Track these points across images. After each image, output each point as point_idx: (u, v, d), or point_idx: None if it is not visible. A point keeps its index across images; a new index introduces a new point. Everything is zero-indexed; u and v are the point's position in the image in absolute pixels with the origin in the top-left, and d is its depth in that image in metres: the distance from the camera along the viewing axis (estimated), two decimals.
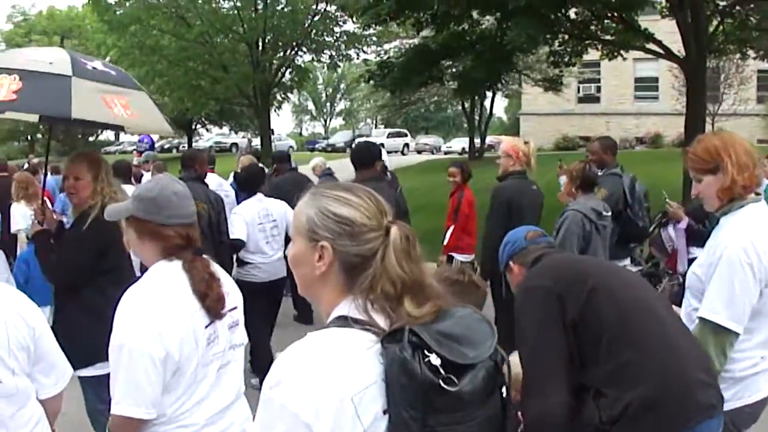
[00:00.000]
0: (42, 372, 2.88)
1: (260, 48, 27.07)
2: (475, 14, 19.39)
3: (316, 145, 60.12)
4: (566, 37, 18.98)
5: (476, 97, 40.42)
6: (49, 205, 8.54)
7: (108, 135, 65.16)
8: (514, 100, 56.51)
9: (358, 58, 30.41)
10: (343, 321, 1.84)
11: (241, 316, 3.16)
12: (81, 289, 4.50)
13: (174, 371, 2.80)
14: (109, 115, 4.59)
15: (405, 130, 59.87)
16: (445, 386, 1.68)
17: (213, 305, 2.93)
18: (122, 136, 67.54)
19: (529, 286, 3.27)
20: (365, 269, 1.86)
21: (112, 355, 2.79)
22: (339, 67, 32.44)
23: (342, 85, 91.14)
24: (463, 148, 55.78)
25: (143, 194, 2.99)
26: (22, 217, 8.56)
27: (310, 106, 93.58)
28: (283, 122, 78.33)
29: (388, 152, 52.75)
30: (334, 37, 28.08)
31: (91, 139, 63.83)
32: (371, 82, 21.61)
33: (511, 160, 6.81)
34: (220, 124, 63.14)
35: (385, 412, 1.74)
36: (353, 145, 8.38)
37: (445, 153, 52.48)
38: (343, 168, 9.29)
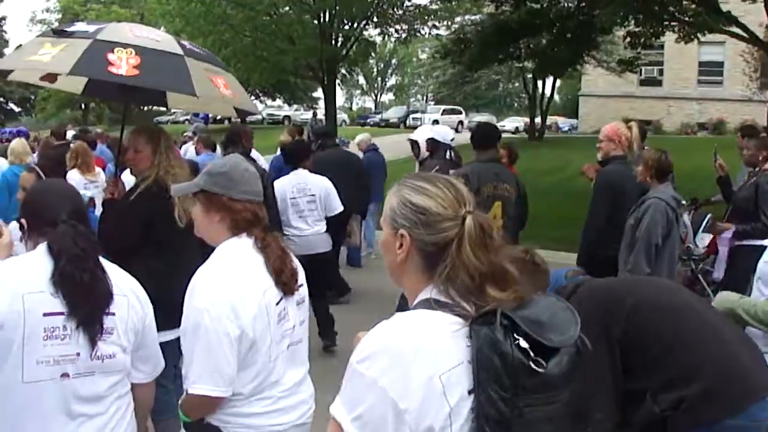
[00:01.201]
0: (140, 359, 2.92)
1: (328, 20, 26.42)
2: None
3: (368, 120, 59.54)
4: (641, 17, 18.19)
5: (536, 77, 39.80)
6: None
7: (160, 107, 65.01)
8: (568, 81, 55.33)
9: (429, 34, 29.65)
10: (427, 304, 1.91)
11: (307, 293, 3.22)
12: (126, 259, 4.23)
13: (249, 348, 2.85)
14: (218, 95, 4.68)
15: (459, 108, 59.03)
16: (535, 368, 1.73)
17: (288, 280, 3.01)
18: (174, 109, 67.72)
19: None
20: (443, 258, 1.90)
21: (186, 334, 2.84)
22: (410, 42, 31.41)
23: (393, 61, 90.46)
24: (517, 128, 55.13)
25: (215, 169, 3.04)
26: (75, 185, 8.32)
27: (361, 80, 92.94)
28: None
29: None
30: (403, 10, 27.30)
31: (144, 109, 63.80)
32: (447, 58, 21.20)
33: (613, 144, 6.59)
34: (273, 97, 62.82)
35: (470, 393, 1.78)
36: (474, 127, 7.75)
37: None
38: (395, 144, 9.15)
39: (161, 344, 3.07)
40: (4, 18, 65.65)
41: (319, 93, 73.91)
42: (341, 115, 63.62)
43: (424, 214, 1.94)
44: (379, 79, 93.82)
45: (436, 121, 54.13)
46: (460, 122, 55.57)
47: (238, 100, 5.04)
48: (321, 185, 7.93)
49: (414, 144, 9.13)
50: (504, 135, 33.90)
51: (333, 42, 26.88)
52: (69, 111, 64.82)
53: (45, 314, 2.55)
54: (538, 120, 41.36)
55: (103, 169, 10.32)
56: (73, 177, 8.97)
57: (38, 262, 2.63)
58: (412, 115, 56.07)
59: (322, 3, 25.09)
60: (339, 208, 8.06)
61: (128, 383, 2.89)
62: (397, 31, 29.40)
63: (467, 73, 37.27)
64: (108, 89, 5.54)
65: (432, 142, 8.88)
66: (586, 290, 3.56)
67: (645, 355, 3.22)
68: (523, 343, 1.74)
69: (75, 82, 5.52)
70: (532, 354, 1.74)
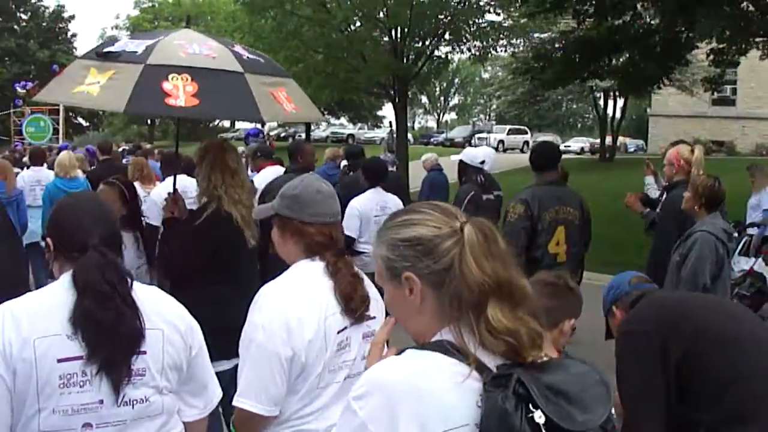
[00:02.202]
0: (191, 393, 2.72)
1: (399, 38, 25.93)
2: (639, 6, 18.05)
3: (431, 139, 59.11)
4: (729, 33, 17.36)
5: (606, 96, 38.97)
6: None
7: (224, 121, 65.61)
8: (633, 100, 54.26)
9: (506, 50, 29.00)
10: (441, 345, 1.76)
11: (377, 327, 2.96)
12: (190, 284, 4.30)
13: (299, 373, 2.80)
14: (282, 113, 4.55)
15: (525, 128, 58.35)
16: None
17: (356, 307, 2.91)
18: (238, 123, 68.24)
19: (629, 330, 3.20)
20: (450, 281, 1.75)
21: (241, 348, 2.84)
22: (486, 60, 30.82)
23: (456, 80, 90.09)
24: (582, 148, 54.33)
25: (286, 192, 3.04)
26: None
27: (423, 99, 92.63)
28: (390, 115, 77.98)
29: (507, 149, 52.19)
30: (477, 27, 26.66)
31: (209, 124, 64.23)
32: (527, 74, 20.57)
33: (673, 168, 6.41)
34: (338, 115, 62.80)
35: None
36: (532, 147, 7.68)
37: (563, 152, 50.80)
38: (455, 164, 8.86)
39: (230, 372, 3.03)
40: (74, 35, 66.61)
41: (383, 111, 74.37)
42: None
43: (420, 243, 1.81)
44: (442, 98, 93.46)
45: (501, 141, 53.98)
46: (526, 142, 55.21)
47: (303, 113, 4.87)
48: (397, 203, 7.94)
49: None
50: (568, 156, 33.20)
51: (405, 59, 26.29)
52: (136, 126, 65.59)
53: (59, 360, 2.32)
54: (604, 140, 40.47)
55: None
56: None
57: (57, 299, 2.39)
58: (477, 135, 55.63)
59: (395, 20, 24.56)
60: None
61: (178, 423, 2.68)
62: (470, 49, 28.79)
63: (538, 93, 36.57)
64: (153, 106, 5.34)
65: (461, 165, 8.83)
66: (652, 299, 3.34)
67: (704, 385, 2.92)
68: (539, 418, 1.57)
69: (117, 100, 5.15)
70: None
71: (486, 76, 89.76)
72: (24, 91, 36.80)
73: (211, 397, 2.82)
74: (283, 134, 57.93)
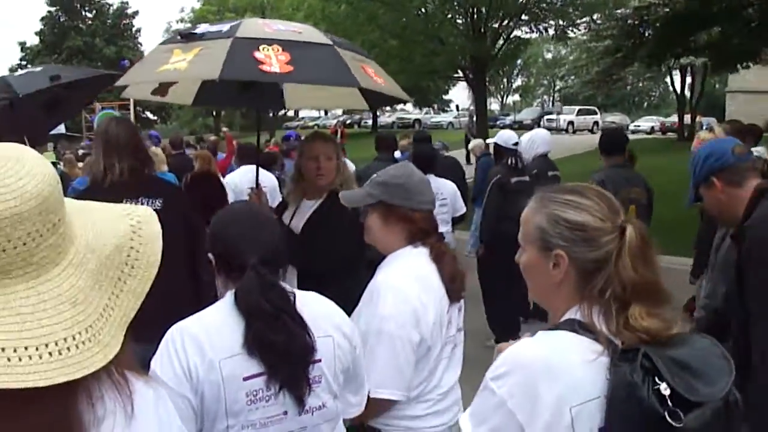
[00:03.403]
0: (352, 391, 2.75)
1: (478, 18, 25.31)
2: None
3: (498, 122, 58.28)
4: None
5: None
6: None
7: (289, 111, 65.68)
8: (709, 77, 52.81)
9: (588, 29, 28.13)
10: (572, 325, 1.83)
11: (463, 301, 3.19)
12: (342, 278, 4.12)
13: (424, 354, 2.93)
14: (374, 85, 4.42)
15: (594, 108, 57.17)
16: (670, 420, 1.60)
17: (458, 288, 3.06)
18: (302, 112, 68.27)
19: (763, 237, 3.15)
20: (600, 273, 1.82)
21: (370, 339, 2.85)
22: (569, 38, 30.03)
23: (519, 61, 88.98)
24: (652, 128, 53.03)
25: (392, 180, 3.08)
26: None
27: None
28: (456, 98, 77.36)
29: (577, 130, 51.16)
30: (558, 4, 25.91)
31: (272, 114, 64.30)
32: (619, 53, 19.85)
33: None
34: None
35: (600, 430, 1.72)
36: (601, 133, 7.97)
37: (632, 132, 49.73)
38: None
39: None
40: (139, 30, 67.12)
41: (449, 95, 73.67)
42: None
43: (583, 230, 1.86)
44: (505, 80, 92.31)
45: (571, 123, 53.00)
46: (595, 123, 54.13)
47: (390, 88, 4.73)
48: (450, 188, 8.13)
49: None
50: (638, 136, 32.42)
51: (484, 41, 25.65)
52: (201, 119, 65.94)
53: (245, 378, 2.33)
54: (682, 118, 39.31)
55: (223, 175, 10.54)
56: None
57: (228, 318, 2.37)
58: (546, 117, 54.73)
59: (475, 0, 23.93)
60: (463, 208, 8.38)
61: (341, 426, 2.69)
62: (546, 29, 28.07)
63: (613, 72, 35.54)
64: (220, 98, 5.56)
65: (496, 147, 9.12)
66: None
67: None
68: (665, 390, 1.62)
69: (186, 93, 5.36)
70: (670, 404, 1.61)
71: (548, 56, 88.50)
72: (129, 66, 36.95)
73: (365, 393, 2.83)
74: (348, 121, 57.64)
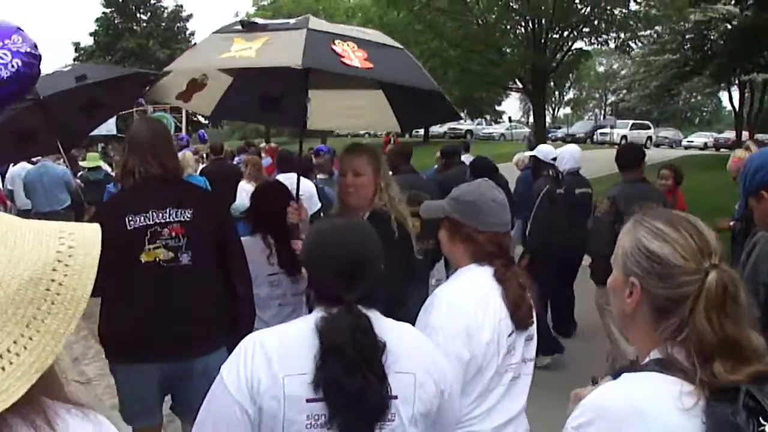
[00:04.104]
0: None
1: (540, 29, 25.03)
2: None
3: (550, 135, 57.71)
4: None
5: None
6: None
7: None
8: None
9: (653, 42, 27.75)
10: (658, 365, 1.69)
11: (535, 332, 3.09)
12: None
13: (474, 375, 2.81)
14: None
15: (648, 122, 56.45)
16: None
17: (524, 316, 2.94)
18: None
19: None
20: (674, 314, 1.69)
21: None
22: (632, 50, 29.64)
23: (571, 74, 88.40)
24: (705, 143, 52.18)
25: (463, 197, 3.02)
26: (247, 194, 8.39)
27: None
28: (508, 110, 76.89)
29: None
30: (621, 16, 25.52)
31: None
32: (686, 67, 19.50)
33: None
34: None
35: None
36: (618, 147, 7.98)
37: (686, 148, 49.01)
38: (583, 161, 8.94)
39: None
40: (192, 34, 67.55)
41: (502, 106, 73.27)
42: (524, 130, 62.32)
43: (659, 263, 1.72)
44: (557, 92, 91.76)
45: (624, 137, 52.37)
46: (649, 137, 53.43)
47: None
48: (309, 189, 8.23)
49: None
50: (691, 152, 31.82)
51: (545, 52, 25.38)
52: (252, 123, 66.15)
53: (308, 400, 2.21)
54: (740, 135, 38.52)
55: None
56: (245, 187, 9.23)
57: (307, 339, 2.23)
58: (599, 130, 54.18)
59: (536, 11, 23.66)
60: (317, 206, 8.32)
61: None
62: (606, 42, 27.70)
63: (671, 87, 35.06)
64: (240, 111, 5.29)
65: (535, 161, 9.26)
66: None
67: None
68: None
69: (207, 102, 5.06)
70: None
71: (601, 69, 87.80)
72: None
73: None
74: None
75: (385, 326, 2.32)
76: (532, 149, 11.62)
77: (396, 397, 2.29)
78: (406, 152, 9.16)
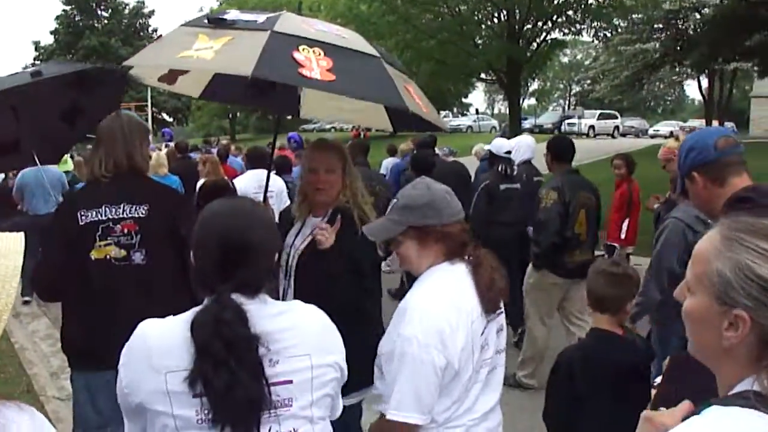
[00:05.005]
0: None
1: (515, 20, 24.75)
2: None
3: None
4: None
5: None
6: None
7: None
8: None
9: (630, 32, 27.63)
10: (749, 399, 1.48)
11: (504, 322, 3.11)
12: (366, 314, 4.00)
13: (451, 378, 2.80)
14: (420, 111, 3.83)
15: (615, 112, 56.64)
16: None
17: (495, 297, 2.93)
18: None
19: None
20: None
21: (391, 361, 2.78)
22: (608, 39, 29.50)
23: (546, 64, 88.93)
24: (671, 132, 52.54)
25: (416, 202, 2.95)
26: None
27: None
28: (473, 101, 76.82)
29: (598, 134, 50.60)
30: (596, 5, 25.31)
31: (289, 117, 63.81)
32: (666, 57, 19.35)
33: (672, 164, 6.54)
34: None
35: None
36: (550, 141, 7.79)
37: (651, 137, 49.24)
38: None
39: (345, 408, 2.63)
40: (155, 30, 66.68)
41: (469, 99, 73.13)
42: (491, 122, 62.27)
43: None
44: (522, 83, 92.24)
45: (592, 127, 52.46)
46: (616, 127, 53.67)
47: (431, 115, 4.17)
48: (279, 185, 8.44)
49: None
50: (657, 141, 31.96)
51: (519, 42, 25.09)
52: (216, 120, 65.52)
53: (194, 396, 2.11)
54: (710, 123, 38.73)
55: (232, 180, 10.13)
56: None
57: (180, 331, 2.15)
58: (566, 121, 54.24)
59: (513, 1, 23.34)
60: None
61: None
62: (580, 31, 27.54)
63: (642, 76, 35.14)
64: (230, 95, 5.14)
65: (490, 155, 9.35)
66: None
67: None
68: None
69: (195, 85, 4.87)
70: None
71: (564, 60, 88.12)
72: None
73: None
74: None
75: (271, 312, 2.24)
76: (416, 145, 11.77)
77: (290, 382, 2.24)
78: (364, 147, 9.51)
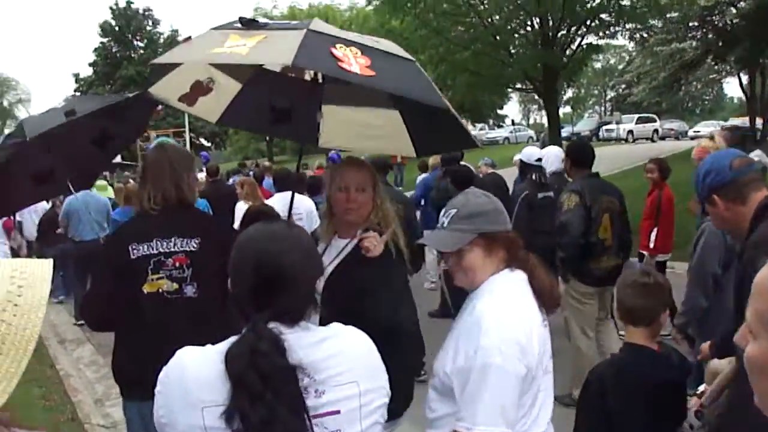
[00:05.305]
0: None
1: (549, 26, 24.46)
2: None
3: None
4: None
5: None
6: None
7: None
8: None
9: (663, 32, 27.23)
10: None
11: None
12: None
13: (528, 387, 2.78)
14: (460, 120, 4.09)
15: (653, 116, 56.02)
16: None
17: (555, 297, 2.98)
18: None
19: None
20: None
21: (468, 375, 2.70)
22: (645, 40, 29.16)
23: (583, 69, 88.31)
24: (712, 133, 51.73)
25: (482, 208, 2.97)
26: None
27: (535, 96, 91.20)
28: (508, 112, 76.70)
29: (637, 139, 50.00)
30: (631, 7, 24.94)
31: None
32: (708, 56, 18.99)
33: None
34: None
35: None
36: (568, 146, 8.40)
37: (692, 138, 48.71)
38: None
39: None
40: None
41: (504, 110, 72.80)
42: (528, 132, 61.91)
43: None
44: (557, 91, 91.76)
45: (631, 132, 51.90)
46: (655, 130, 53.13)
47: (466, 126, 4.30)
48: (306, 205, 8.66)
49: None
50: (698, 142, 31.56)
51: (553, 48, 24.80)
52: (254, 143, 66.03)
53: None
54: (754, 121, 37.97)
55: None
56: (242, 208, 9.40)
57: (216, 363, 2.07)
58: (604, 127, 53.79)
59: (546, 7, 23.02)
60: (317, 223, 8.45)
61: None
62: (615, 34, 27.21)
63: (681, 76, 34.61)
64: (247, 121, 5.09)
65: (521, 164, 9.61)
66: None
67: None
68: None
69: (213, 107, 4.74)
70: None
71: (598, 66, 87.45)
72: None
73: None
74: None
75: (313, 339, 2.17)
76: (442, 160, 11.78)
77: (338, 412, 2.16)
78: (384, 165, 9.28)
